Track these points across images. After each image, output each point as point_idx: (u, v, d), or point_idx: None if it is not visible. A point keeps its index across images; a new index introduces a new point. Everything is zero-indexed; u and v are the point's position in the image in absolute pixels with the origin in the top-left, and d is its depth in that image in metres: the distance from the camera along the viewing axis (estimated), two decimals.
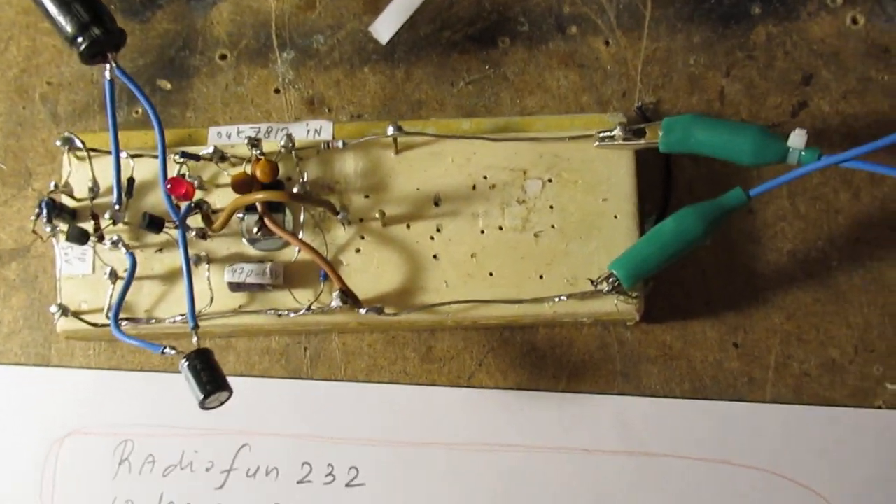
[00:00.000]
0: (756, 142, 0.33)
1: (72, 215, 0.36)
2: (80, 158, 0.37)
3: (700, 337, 0.39)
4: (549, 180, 0.37)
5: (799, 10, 0.42)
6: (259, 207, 0.35)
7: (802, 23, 0.42)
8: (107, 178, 0.36)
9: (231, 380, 0.34)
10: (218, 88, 0.42)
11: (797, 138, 0.33)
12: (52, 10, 0.32)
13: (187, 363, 0.31)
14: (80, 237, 0.34)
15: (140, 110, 0.41)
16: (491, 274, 0.36)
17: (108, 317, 0.35)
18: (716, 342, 0.39)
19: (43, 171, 0.41)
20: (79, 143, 0.37)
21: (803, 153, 0.33)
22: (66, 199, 0.37)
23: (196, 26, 0.43)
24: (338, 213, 0.36)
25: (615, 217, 0.37)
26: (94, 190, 0.37)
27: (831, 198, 0.40)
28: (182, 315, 0.35)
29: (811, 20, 0.42)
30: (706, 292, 0.39)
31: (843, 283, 0.39)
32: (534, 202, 0.37)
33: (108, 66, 0.33)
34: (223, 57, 0.42)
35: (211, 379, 0.30)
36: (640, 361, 0.39)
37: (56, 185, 0.36)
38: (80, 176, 0.37)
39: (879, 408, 0.38)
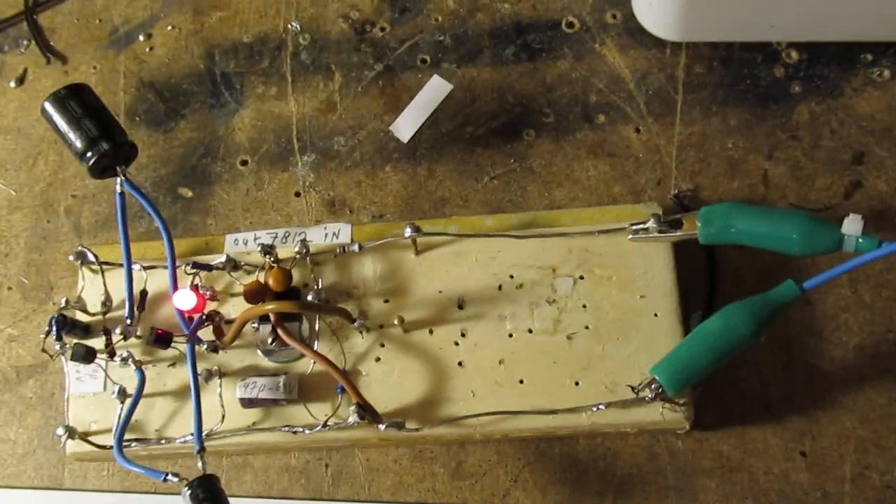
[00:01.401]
0: (805, 230, 0.30)
1: (85, 331, 0.35)
2: (94, 272, 0.36)
3: (762, 445, 0.35)
4: (581, 277, 0.34)
5: (843, 87, 0.39)
6: (272, 318, 0.33)
7: (847, 99, 0.39)
8: (121, 292, 0.35)
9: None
10: (239, 194, 0.41)
11: (853, 225, 0.30)
12: (62, 126, 0.32)
13: (189, 492, 0.28)
14: (85, 356, 0.32)
15: None
16: (521, 381, 0.33)
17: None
18: (780, 451, 0.35)
19: (64, 285, 0.41)
20: (91, 257, 0.36)
21: (861, 240, 0.30)
22: (80, 315, 0.36)
23: (218, 133, 0.42)
24: (354, 321, 0.34)
25: (655, 315, 0.34)
26: (107, 304, 0.35)
27: None
28: (193, 434, 0.33)
29: (857, 96, 0.39)
30: (765, 394, 0.36)
31: None
32: (565, 302, 0.34)
33: (118, 179, 0.32)
34: (244, 163, 0.42)
35: None
36: (694, 475, 0.35)
37: (67, 301, 0.35)
38: (93, 289, 0.36)
39: None
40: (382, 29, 0.43)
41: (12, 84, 0.45)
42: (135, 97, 0.44)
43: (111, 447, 0.34)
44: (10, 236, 0.42)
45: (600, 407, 0.32)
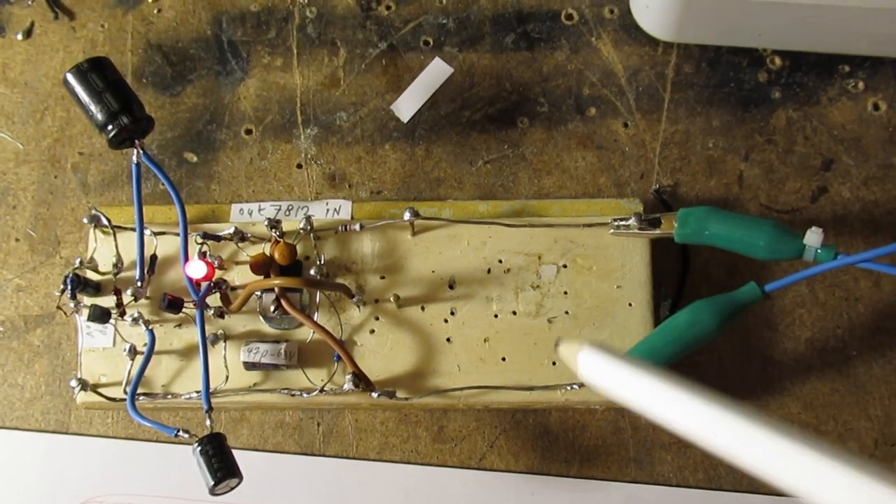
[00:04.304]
0: (771, 238, 0.33)
1: (96, 289, 0.37)
2: (105, 234, 0.38)
3: None
4: (564, 266, 0.37)
5: (819, 96, 0.42)
6: (276, 290, 0.35)
7: (823, 108, 0.42)
8: (131, 253, 0.37)
9: (243, 454, 0.35)
10: (242, 162, 0.43)
11: (813, 236, 0.33)
12: (84, 98, 0.33)
13: (199, 448, 0.31)
14: (101, 317, 0.35)
15: None
16: (504, 359, 0.37)
17: (125, 392, 0.36)
18: None
19: (71, 240, 0.42)
20: (105, 221, 0.38)
21: (819, 251, 0.33)
22: (90, 274, 0.38)
23: (224, 101, 0.44)
24: (353, 297, 0.37)
25: (629, 305, 0.37)
26: (118, 265, 0.37)
27: (851, 286, 0.40)
28: (198, 392, 0.36)
29: (832, 105, 0.42)
30: (722, 379, 0.39)
31: (863, 373, 0.39)
32: (548, 287, 0.37)
33: (135, 151, 0.34)
34: (249, 132, 0.43)
35: (221, 466, 0.31)
36: (653, 448, 0.39)
37: (81, 261, 0.37)
38: (105, 250, 0.38)
39: None
40: (388, 7, 0.44)
41: (19, 37, 0.45)
42: (142, 58, 0.45)
43: (121, 400, 0.36)
44: (18, 189, 0.44)
45: (574, 386, 0.36)
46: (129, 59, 0.45)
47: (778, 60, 0.42)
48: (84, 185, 0.43)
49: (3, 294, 0.42)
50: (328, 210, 0.39)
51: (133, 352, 0.36)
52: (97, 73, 0.33)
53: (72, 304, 0.36)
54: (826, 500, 0.20)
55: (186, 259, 0.34)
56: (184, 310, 0.35)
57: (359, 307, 0.37)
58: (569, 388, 0.36)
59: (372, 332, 0.37)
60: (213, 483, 0.31)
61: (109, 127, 0.33)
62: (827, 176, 0.41)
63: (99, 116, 0.33)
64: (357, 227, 0.37)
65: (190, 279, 0.35)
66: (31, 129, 0.44)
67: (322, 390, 0.36)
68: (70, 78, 0.33)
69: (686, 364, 0.39)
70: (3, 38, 0.45)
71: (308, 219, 0.37)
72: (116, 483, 0.39)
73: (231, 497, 0.38)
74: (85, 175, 0.44)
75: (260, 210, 0.39)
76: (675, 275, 0.40)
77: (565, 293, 0.37)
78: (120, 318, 0.36)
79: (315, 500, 0.38)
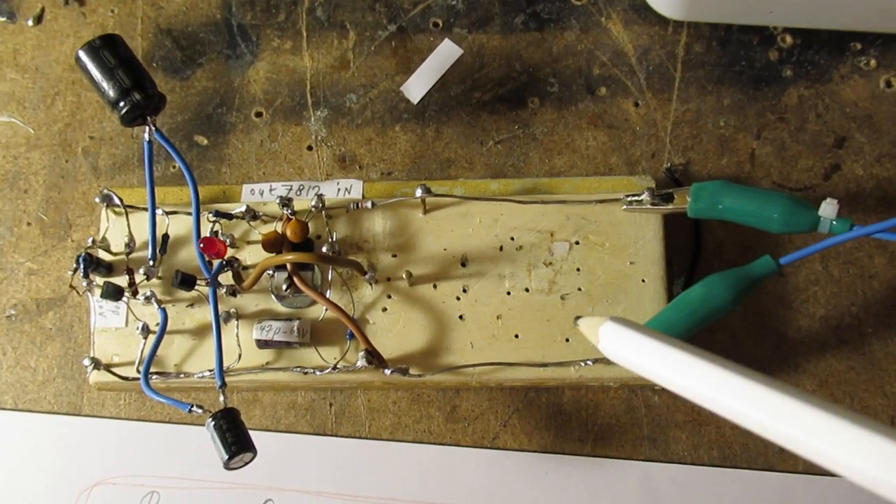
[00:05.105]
0: (785, 211, 0.33)
1: (108, 269, 0.37)
2: (117, 214, 0.38)
3: None
4: (577, 243, 0.37)
5: (831, 73, 0.42)
6: (288, 267, 0.35)
7: (835, 85, 0.42)
8: (143, 234, 0.37)
9: (256, 434, 0.35)
10: (253, 145, 0.43)
11: (828, 208, 0.32)
12: (96, 75, 0.33)
13: (213, 423, 0.31)
14: (114, 294, 0.35)
15: (177, 165, 0.43)
16: (517, 336, 0.36)
17: (138, 371, 0.36)
18: None
19: (82, 223, 0.43)
20: (117, 200, 0.38)
21: (835, 223, 0.33)
22: (102, 254, 0.38)
23: (234, 84, 0.44)
24: (365, 274, 0.36)
25: (643, 281, 0.37)
26: (130, 245, 0.37)
27: (865, 262, 0.39)
28: (210, 371, 0.36)
29: (844, 83, 0.42)
30: (736, 357, 0.38)
31: (878, 350, 0.38)
32: (560, 264, 0.37)
33: (147, 128, 0.34)
34: (259, 114, 0.43)
35: (236, 440, 0.30)
36: (667, 427, 0.38)
37: (93, 241, 0.37)
38: (116, 231, 0.38)
39: None
40: None
41: (30, 23, 0.46)
42: (152, 43, 0.45)
43: (134, 379, 0.36)
44: (30, 173, 0.44)
45: (588, 363, 0.35)
46: (140, 44, 0.45)
47: (789, 38, 0.42)
48: (95, 168, 0.43)
49: (16, 277, 0.42)
50: (339, 189, 0.39)
51: (146, 330, 0.36)
52: (109, 49, 0.33)
53: (84, 284, 0.36)
54: (859, 469, 0.20)
55: (199, 235, 0.34)
56: (196, 288, 0.35)
57: (371, 285, 0.37)
58: (582, 364, 0.35)
59: (384, 310, 0.37)
60: (227, 457, 0.31)
61: (122, 103, 0.33)
62: (840, 153, 0.41)
63: (111, 93, 0.33)
64: (369, 204, 0.37)
65: (203, 257, 0.35)
66: (42, 114, 0.44)
67: (335, 368, 0.36)
68: (82, 55, 0.33)
69: (699, 341, 0.38)
70: (14, 24, 0.45)
71: (319, 197, 0.37)
72: (129, 465, 0.39)
73: (243, 477, 0.38)
74: (96, 159, 0.44)
75: (271, 190, 0.39)
76: (688, 253, 0.40)
77: (578, 270, 0.37)
78: (132, 298, 0.36)
79: (327, 480, 0.38)
